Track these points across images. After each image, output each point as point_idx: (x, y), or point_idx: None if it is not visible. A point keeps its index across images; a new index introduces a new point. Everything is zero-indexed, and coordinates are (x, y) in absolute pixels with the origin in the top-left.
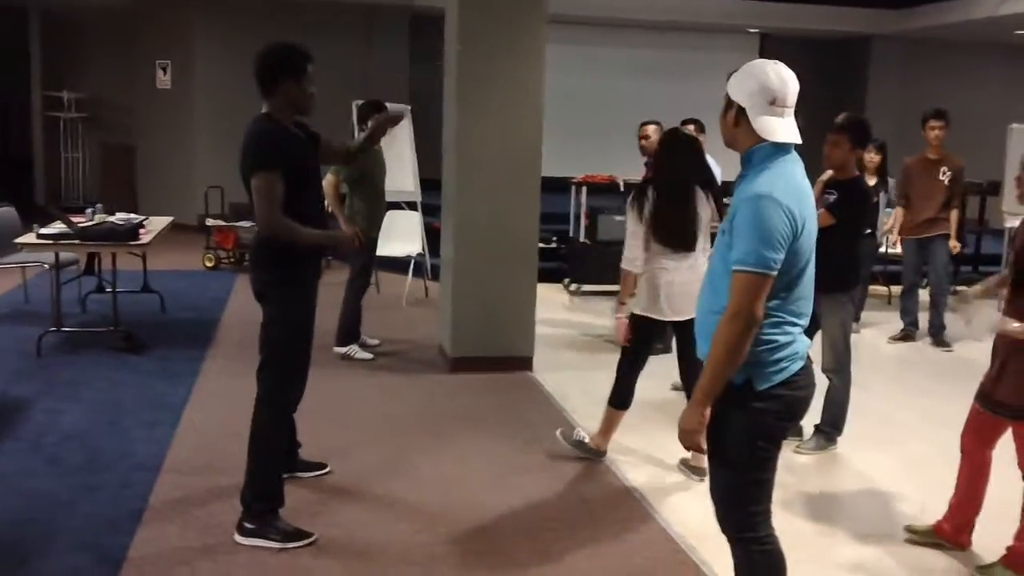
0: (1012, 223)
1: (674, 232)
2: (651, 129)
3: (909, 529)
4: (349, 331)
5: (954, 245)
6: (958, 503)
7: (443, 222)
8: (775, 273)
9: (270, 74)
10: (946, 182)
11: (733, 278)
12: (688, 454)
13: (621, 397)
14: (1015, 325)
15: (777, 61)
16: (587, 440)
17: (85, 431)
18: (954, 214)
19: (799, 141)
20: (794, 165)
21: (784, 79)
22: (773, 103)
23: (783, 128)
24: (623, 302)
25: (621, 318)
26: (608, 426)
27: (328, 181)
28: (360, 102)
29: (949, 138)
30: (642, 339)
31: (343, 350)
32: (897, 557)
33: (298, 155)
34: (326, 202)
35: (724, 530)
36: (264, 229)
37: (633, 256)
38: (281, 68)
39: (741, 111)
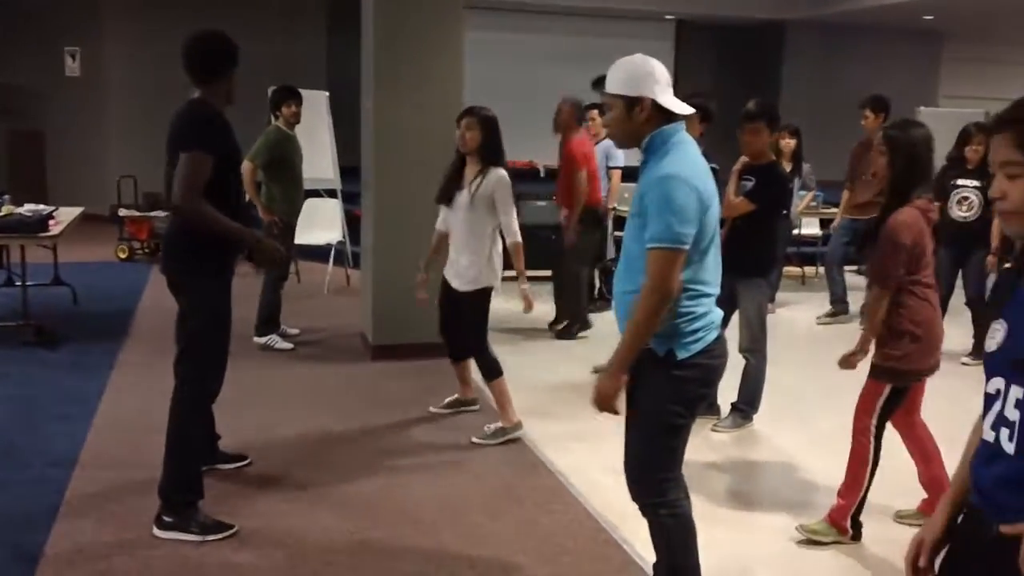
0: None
1: None
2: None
3: (899, 515)
4: (269, 320)
5: None
6: (928, 479)
7: (363, 209)
8: (687, 247)
9: (211, 63)
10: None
11: (649, 255)
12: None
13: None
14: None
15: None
16: (499, 424)
17: None
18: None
19: (692, 111)
20: (690, 145)
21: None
22: (665, 84)
23: (680, 104)
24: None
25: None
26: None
27: (245, 167)
28: (274, 88)
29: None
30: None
31: (263, 340)
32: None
33: (231, 144)
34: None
35: (636, 497)
36: (183, 206)
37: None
38: (223, 58)
39: (651, 102)
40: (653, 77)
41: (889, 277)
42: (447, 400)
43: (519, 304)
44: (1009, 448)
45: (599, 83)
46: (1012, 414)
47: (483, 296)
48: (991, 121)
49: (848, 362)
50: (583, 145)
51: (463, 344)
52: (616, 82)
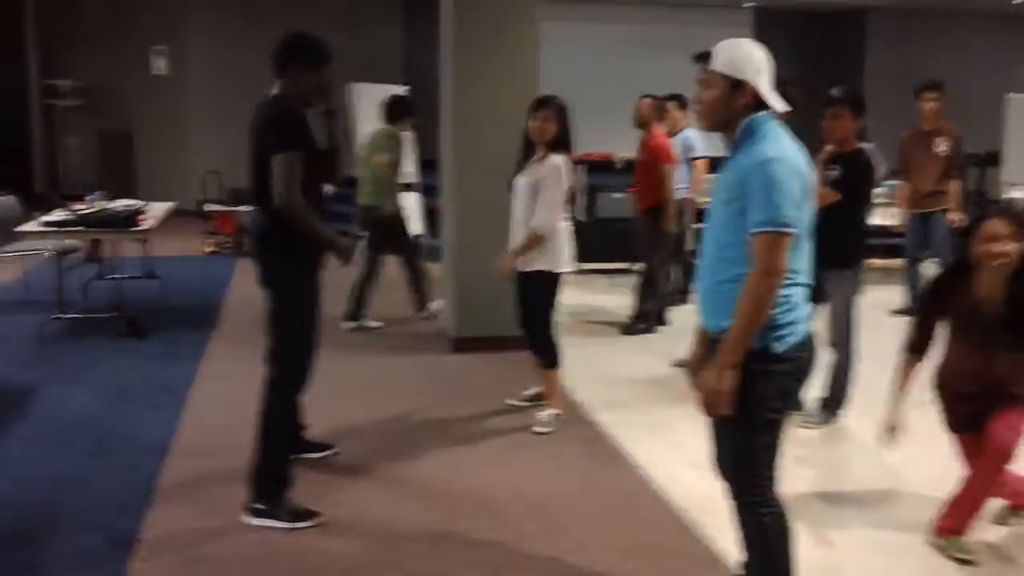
0: (1015, 193)
1: None
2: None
3: (1000, 519)
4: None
5: (952, 218)
6: (1014, 488)
7: (443, 203)
8: (795, 230)
9: (284, 56)
10: (942, 154)
11: (756, 240)
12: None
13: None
14: None
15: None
16: (553, 411)
17: (92, 416)
18: (953, 186)
19: (787, 109)
20: (783, 132)
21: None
22: (767, 75)
23: (778, 99)
24: None
25: None
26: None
27: (384, 161)
28: (400, 96)
29: (946, 109)
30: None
31: (352, 324)
32: (904, 526)
33: (312, 141)
34: (366, 187)
35: (734, 496)
36: (287, 209)
37: None
38: (297, 53)
39: (753, 90)
40: (760, 65)
41: None
42: (526, 393)
43: (594, 296)
44: None
45: (702, 57)
46: None
47: (545, 278)
48: None
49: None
50: (664, 139)
51: None
52: (724, 62)
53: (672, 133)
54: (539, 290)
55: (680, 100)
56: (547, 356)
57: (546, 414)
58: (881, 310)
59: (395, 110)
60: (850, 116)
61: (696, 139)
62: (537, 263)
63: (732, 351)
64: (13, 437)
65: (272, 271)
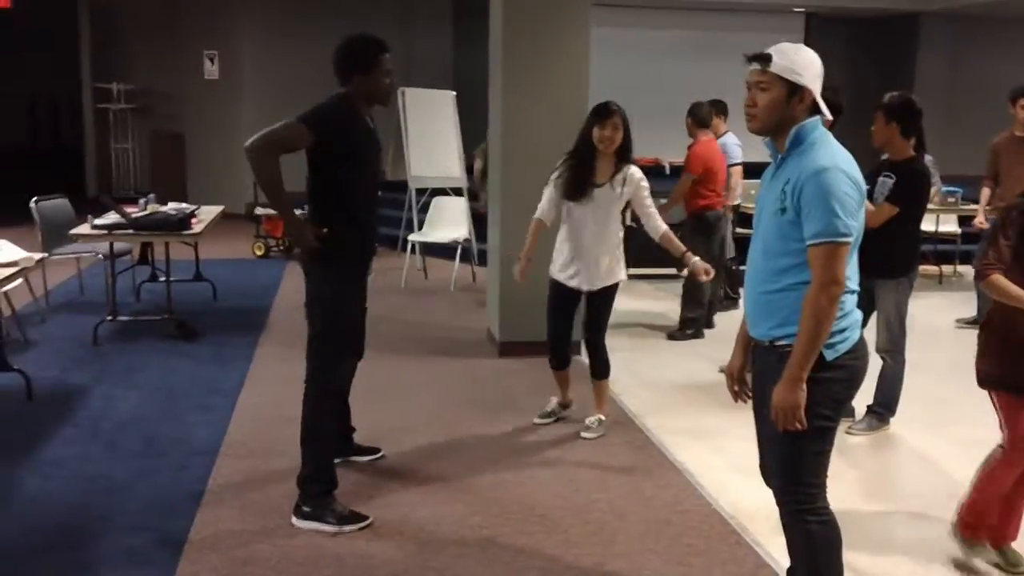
0: None
1: None
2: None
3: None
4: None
5: None
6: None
7: (489, 207)
8: (853, 239)
9: (341, 66)
10: None
11: (814, 252)
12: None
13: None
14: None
15: None
16: (599, 416)
17: (142, 417)
18: None
19: (831, 118)
20: (833, 138)
21: None
22: (821, 82)
23: (826, 106)
24: None
25: None
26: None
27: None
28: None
29: (1000, 116)
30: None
31: None
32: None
33: (357, 140)
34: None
35: (783, 503)
36: (249, 149)
37: None
38: (351, 61)
39: (812, 96)
40: (818, 72)
41: None
42: (547, 409)
43: (644, 301)
44: None
45: (757, 59)
46: None
47: (615, 291)
48: None
49: None
50: (699, 147)
51: (569, 350)
52: (785, 66)
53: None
54: (609, 300)
55: (720, 106)
56: (606, 365)
57: (594, 419)
58: (935, 318)
59: None
60: (883, 120)
61: (732, 146)
62: (619, 275)
63: (800, 365)
64: (64, 438)
65: (313, 268)
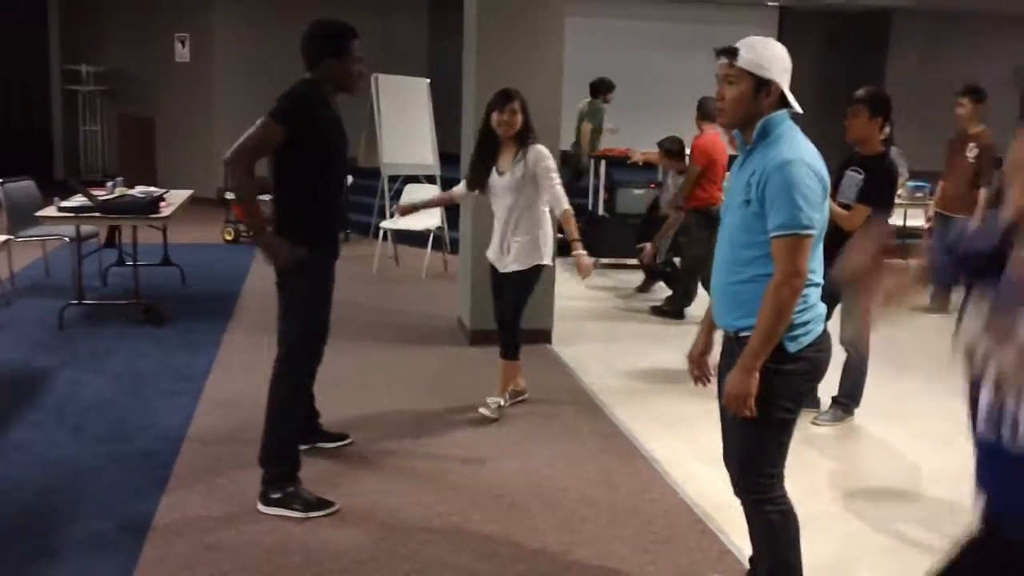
0: None
1: None
2: None
3: None
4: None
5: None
6: None
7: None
8: (815, 232)
9: (310, 50)
10: (971, 159)
11: (777, 244)
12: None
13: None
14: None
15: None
16: (499, 400)
17: (108, 401)
18: (981, 194)
19: (800, 111)
20: (799, 132)
21: None
22: (788, 75)
23: (794, 100)
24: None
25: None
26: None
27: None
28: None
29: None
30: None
31: None
32: (917, 522)
33: (325, 128)
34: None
35: (740, 493)
36: (228, 162)
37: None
38: (321, 45)
39: (779, 89)
40: (785, 65)
41: None
42: (504, 401)
43: (612, 291)
44: None
45: (725, 52)
46: None
47: (535, 273)
48: None
49: None
50: (700, 140)
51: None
52: (752, 60)
53: None
54: (524, 282)
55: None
56: (516, 348)
57: (495, 400)
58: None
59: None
60: (867, 115)
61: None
62: (535, 259)
63: (755, 354)
64: (30, 422)
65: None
